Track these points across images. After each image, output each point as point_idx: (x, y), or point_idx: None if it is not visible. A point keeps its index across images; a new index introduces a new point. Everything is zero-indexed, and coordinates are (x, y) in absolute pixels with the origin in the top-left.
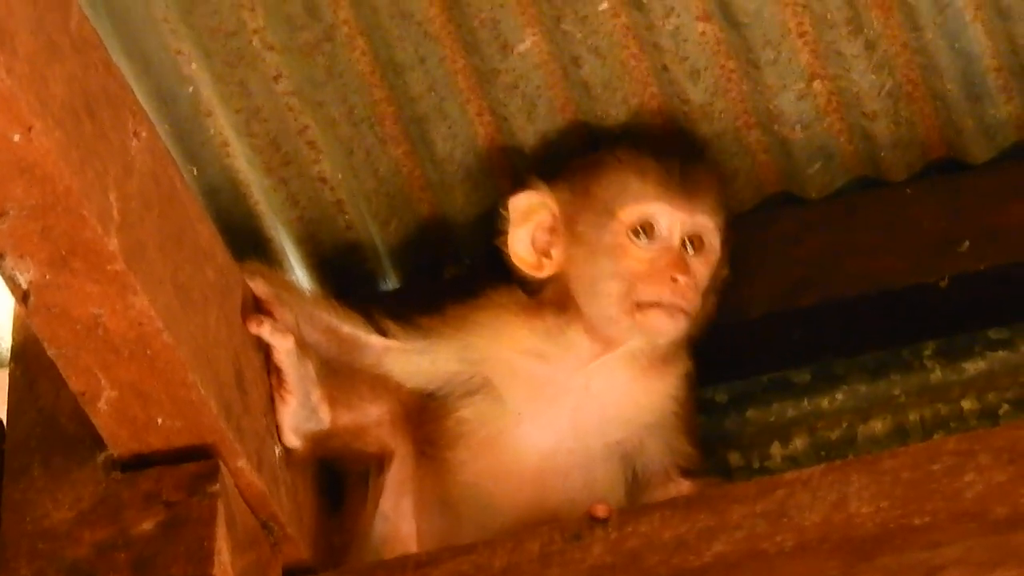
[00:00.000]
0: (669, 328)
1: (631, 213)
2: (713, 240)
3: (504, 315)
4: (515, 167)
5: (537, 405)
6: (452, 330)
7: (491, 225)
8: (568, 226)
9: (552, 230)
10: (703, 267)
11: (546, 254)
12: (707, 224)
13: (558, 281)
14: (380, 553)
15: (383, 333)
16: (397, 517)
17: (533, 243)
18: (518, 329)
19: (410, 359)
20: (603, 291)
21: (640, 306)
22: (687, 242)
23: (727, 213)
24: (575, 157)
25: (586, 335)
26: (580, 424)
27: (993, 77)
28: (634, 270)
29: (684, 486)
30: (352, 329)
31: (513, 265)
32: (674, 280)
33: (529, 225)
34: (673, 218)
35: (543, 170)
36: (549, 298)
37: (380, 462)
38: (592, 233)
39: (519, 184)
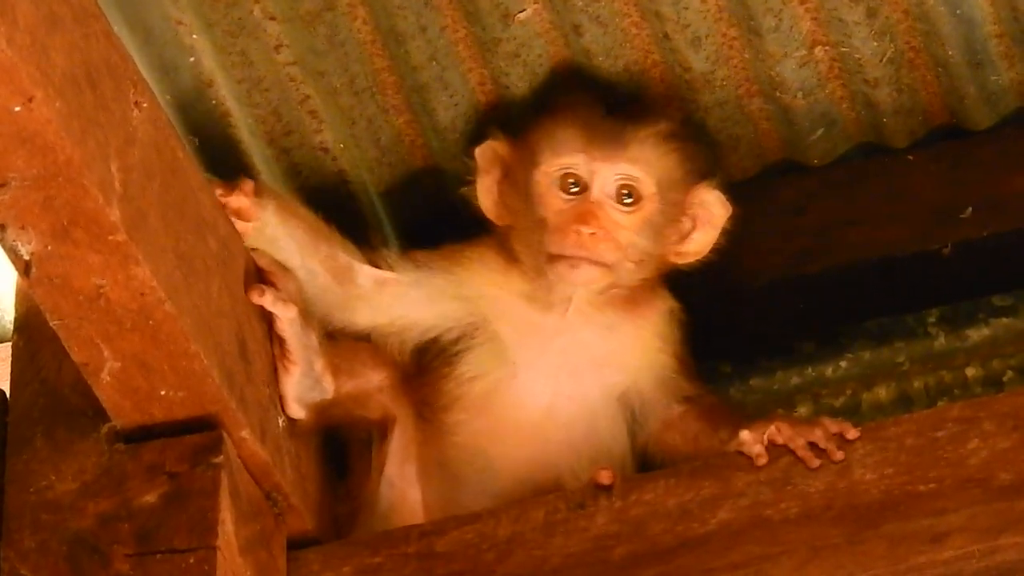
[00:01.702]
0: (577, 279)
1: (551, 164)
2: (647, 190)
3: (494, 254)
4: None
5: (531, 350)
6: (446, 263)
7: None
8: (510, 176)
9: (505, 180)
10: (633, 218)
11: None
12: (635, 175)
13: (512, 230)
14: (387, 520)
15: (379, 265)
16: (403, 483)
17: (499, 193)
18: (507, 269)
19: (406, 292)
20: (528, 242)
21: (550, 258)
22: (624, 195)
23: (677, 165)
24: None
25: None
26: (574, 370)
27: (995, 44)
28: (549, 222)
29: (677, 410)
30: (349, 259)
31: (481, 212)
32: (577, 232)
33: (492, 174)
34: (591, 169)
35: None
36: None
37: (383, 428)
38: (523, 184)
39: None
